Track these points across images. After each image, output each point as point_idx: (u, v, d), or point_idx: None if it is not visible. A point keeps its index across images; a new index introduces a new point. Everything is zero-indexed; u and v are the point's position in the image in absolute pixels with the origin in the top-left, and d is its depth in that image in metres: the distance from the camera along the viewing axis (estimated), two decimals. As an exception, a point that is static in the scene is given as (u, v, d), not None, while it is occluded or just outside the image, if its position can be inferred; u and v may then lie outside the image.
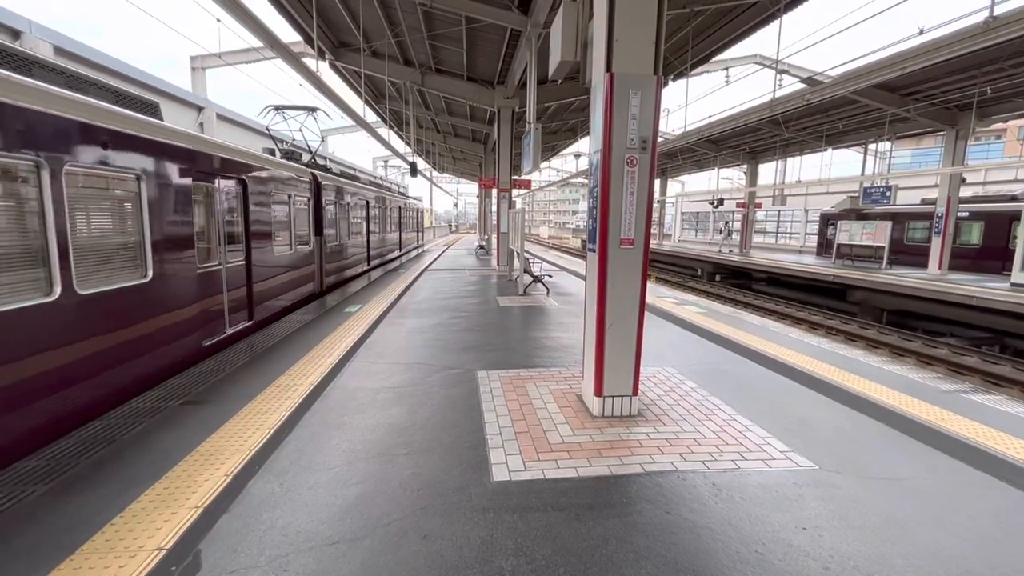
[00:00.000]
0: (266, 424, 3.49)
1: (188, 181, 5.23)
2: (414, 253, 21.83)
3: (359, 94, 16.76)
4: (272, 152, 9.60)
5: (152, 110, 5.23)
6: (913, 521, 2.49)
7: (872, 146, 20.16)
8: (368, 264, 14.41)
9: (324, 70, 12.86)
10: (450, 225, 65.20)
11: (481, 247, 23.15)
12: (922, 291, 11.83)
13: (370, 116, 19.09)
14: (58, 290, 3.52)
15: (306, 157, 11.16)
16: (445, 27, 10.92)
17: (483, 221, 27.99)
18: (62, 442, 3.17)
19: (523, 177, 15.38)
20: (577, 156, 38.58)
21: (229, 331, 6.13)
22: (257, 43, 7.17)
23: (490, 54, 12.38)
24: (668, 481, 2.85)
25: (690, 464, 3.05)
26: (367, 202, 14.10)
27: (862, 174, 20.14)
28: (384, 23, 11.05)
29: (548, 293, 9.82)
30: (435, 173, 40.12)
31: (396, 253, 19.22)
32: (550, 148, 27.59)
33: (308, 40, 11.29)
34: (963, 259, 15.64)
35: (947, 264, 14.84)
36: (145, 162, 4.55)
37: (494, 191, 15.84)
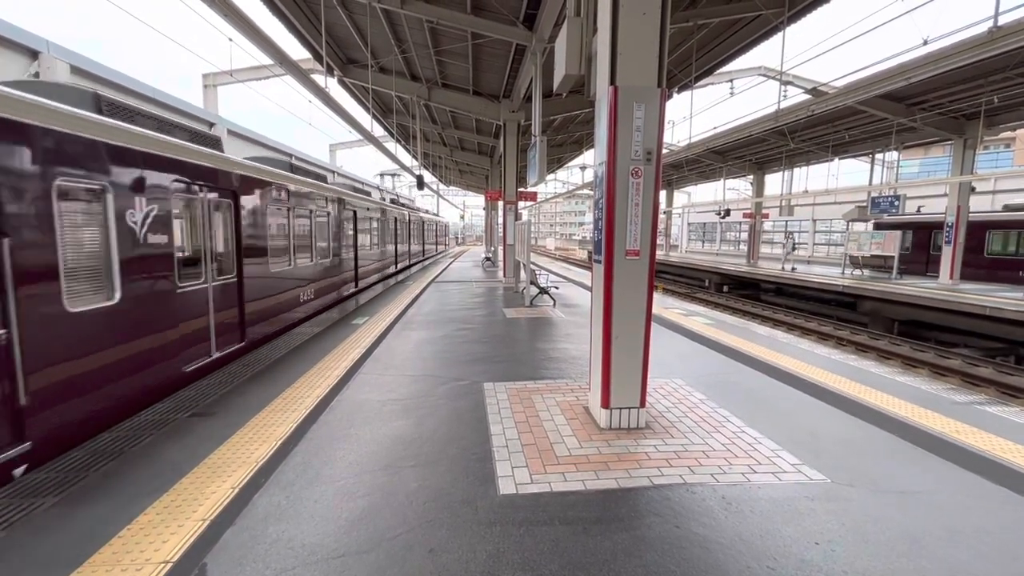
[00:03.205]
0: (273, 436, 3.50)
1: (407, 217, 19.78)
2: (441, 254, 34.40)
3: (367, 109, 17.01)
4: (383, 198, 19.25)
5: (366, 193, 12.67)
6: (929, 536, 2.44)
7: (879, 156, 20.08)
8: (423, 256, 26.79)
9: (332, 86, 13.10)
10: (456, 237, 65.53)
11: (488, 259, 23.22)
12: (933, 301, 11.68)
13: (377, 130, 19.35)
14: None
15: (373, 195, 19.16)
16: (451, 43, 11.10)
17: (489, 233, 28.11)
18: (72, 454, 3.19)
19: (529, 189, 15.47)
20: (583, 168, 38.71)
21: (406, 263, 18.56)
22: (267, 60, 7.34)
23: (496, 69, 12.54)
24: (677, 494, 2.81)
25: (699, 477, 3.01)
26: (423, 223, 27.22)
27: (870, 184, 20.04)
28: (391, 40, 11.25)
29: (554, 305, 9.81)
30: (442, 186, 40.46)
31: (435, 252, 33.21)
32: (555, 160, 27.77)
33: (317, 57, 11.51)
34: None
35: (959, 273, 14.66)
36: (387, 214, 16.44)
37: (500, 203, 15.93)
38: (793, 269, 19.49)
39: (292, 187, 8.21)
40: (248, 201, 6.63)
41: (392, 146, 20.82)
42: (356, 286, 12.31)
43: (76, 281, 3.82)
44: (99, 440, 3.41)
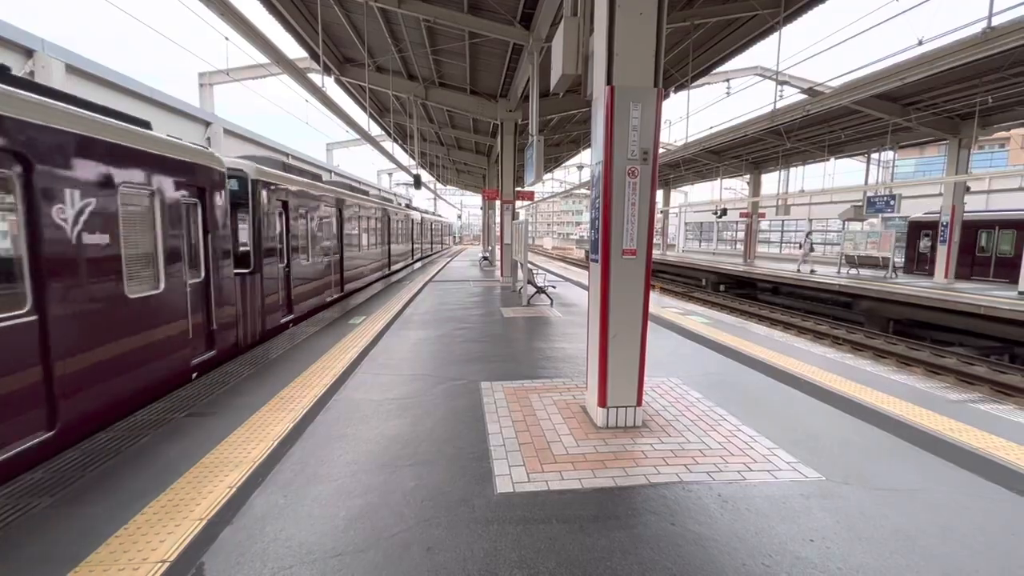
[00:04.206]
0: (270, 436, 3.50)
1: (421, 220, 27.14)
2: (444, 250, 39.89)
3: (364, 108, 17.00)
4: (399, 204, 23.13)
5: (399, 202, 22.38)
6: (923, 533, 2.46)
7: (875, 155, 20.17)
8: (431, 250, 32.40)
9: (329, 85, 13.06)
10: (453, 237, 65.61)
11: (485, 258, 23.22)
12: (929, 300, 11.75)
13: (375, 130, 19.33)
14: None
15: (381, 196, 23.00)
16: (448, 42, 11.09)
17: (487, 232, 28.13)
18: (68, 454, 3.18)
19: (526, 189, 15.48)
20: (580, 167, 38.75)
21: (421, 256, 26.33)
22: (264, 59, 7.32)
23: (493, 68, 12.54)
24: (673, 492, 2.83)
25: (695, 475, 3.03)
26: (431, 224, 32.53)
27: (865, 183, 20.13)
28: (388, 39, 11.23)
29: (552, 304, 9.82)
30: (439, 185, 40.43)
31: (440, 248, 39.30)
32: (553, 160, 27.76)
33: (314, 56, 11.48)
34: None
35: (953, 272, 14.76)
36: (414, 220, 24.73)
37: (497, 203, 15.93)
38: (812, 272, 17.80)
39: (361, 202, 13.58)
40: (345, 213, 11.72)
41: (389, 145, 20.81)
42: (389, 269, 17.85)
43: (308, 254, 9.10)
44: (96, 440, 3.40)
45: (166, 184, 4.74)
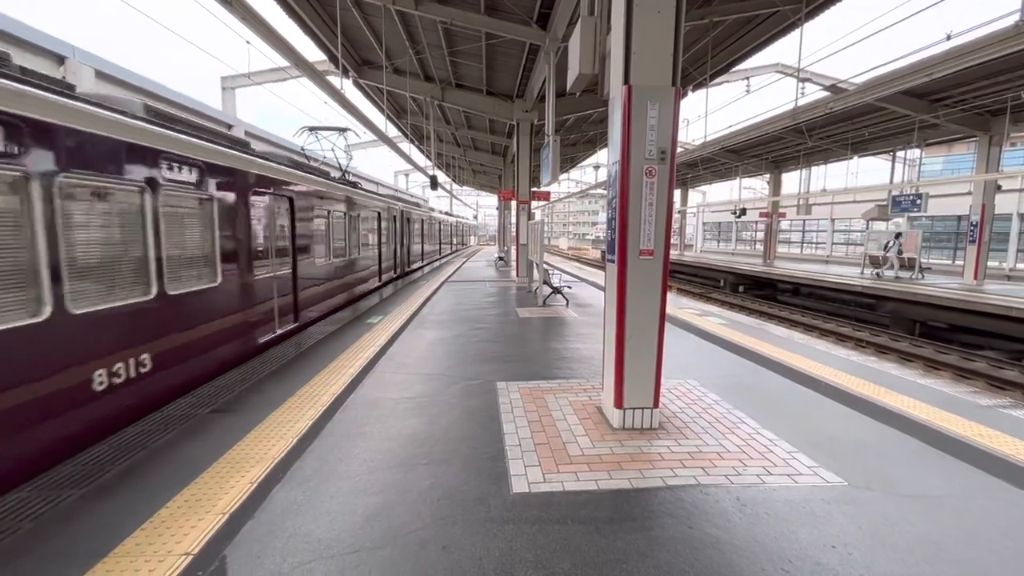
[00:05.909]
0: (290, 433, 3.56)
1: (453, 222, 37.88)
2: (468, 248, 45.38)
3: (381, 110, 17.13)
4: (436, 211, 31.34)
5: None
6: (949, 540, 2.39)
7: (900, 154, 19.64)
8: (462, 245, 42.90)
9: (347, 87, 13.23)
10: (475, 236, 66.02)
11: (500, 259, 23.27)
12: (957, 302, 11.41)
13: (392, 131, 19.49)
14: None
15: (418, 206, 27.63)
16: (465, 43, 11.14)
17: (502, 233, 28.18)
18: (97, 448, 3.29)
19: (542, 189, 15.44)
20: (596, 167, 38.52)
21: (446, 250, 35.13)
22: (284, 63, 7.46)
23: (509, 68, 12.56)
24: (690, 495, 2.80)
25: (713, 478, 2.99)
26: (462, 226, 43.33)
27: (891, 182, 19.60)
28: (406, 41, 11.34)
29: (567, 304, 9.79)
30: (455, 186, 40.63)
31: (468, 245, 47.56)
32: (569, 160, 27.71)
33: (332, 59, 11.65)
34: None
35: (983, 273, 14.31)
36: (450, 226, 35.74)
37: (513, 203, 15.95)
38: (898, 278, 15.60)
39: (431, 215, 24.63)
40: (424, 220, 21.80)
41: (406, 147, 20.97)
42: (439, 254, 26.95)
43: (412, 242, 18.57)
44: (124, 435, 3.50)
45: (394, 215, 14.38)
